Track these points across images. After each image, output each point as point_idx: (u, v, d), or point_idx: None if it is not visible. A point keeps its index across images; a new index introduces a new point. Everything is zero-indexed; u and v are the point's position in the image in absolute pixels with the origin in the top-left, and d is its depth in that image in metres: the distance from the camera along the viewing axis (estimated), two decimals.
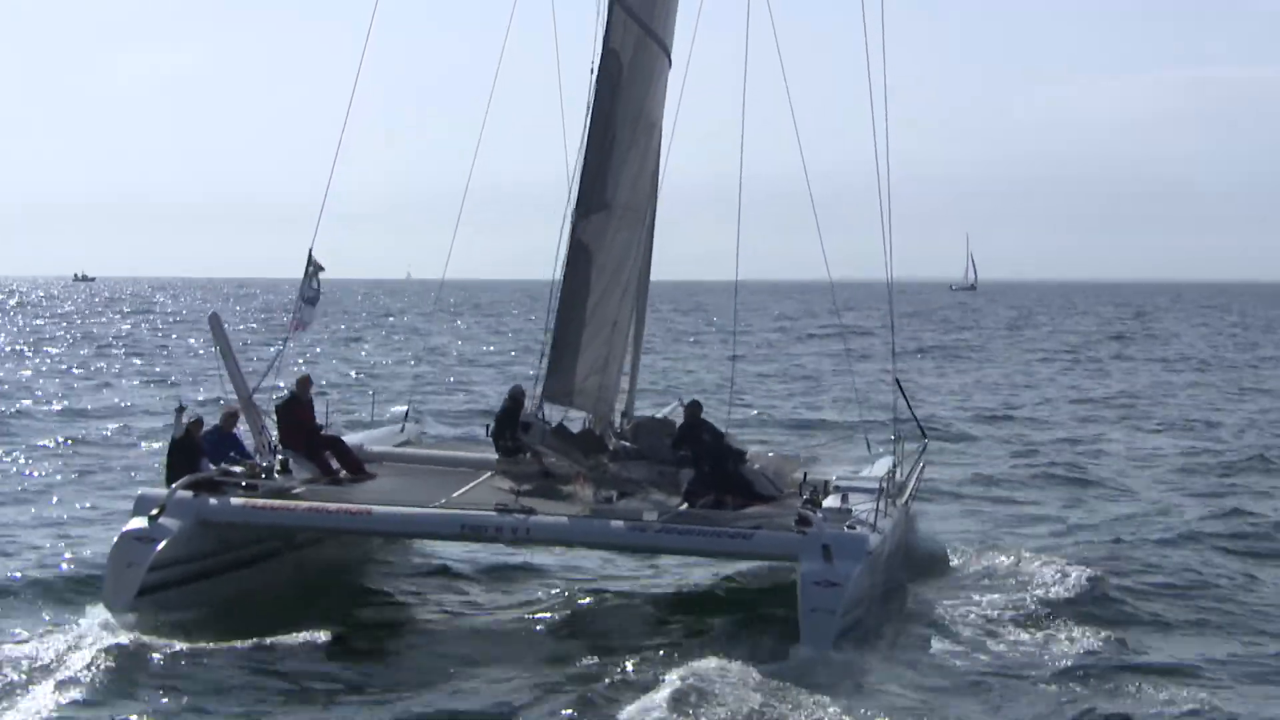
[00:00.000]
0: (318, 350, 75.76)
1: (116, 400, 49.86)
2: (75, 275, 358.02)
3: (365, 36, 23.37)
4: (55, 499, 29.77)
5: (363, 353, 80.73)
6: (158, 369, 61.99)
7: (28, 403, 47.86)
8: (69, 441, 38.14)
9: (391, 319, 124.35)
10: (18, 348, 78.44)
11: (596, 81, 21.64)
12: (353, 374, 62.10)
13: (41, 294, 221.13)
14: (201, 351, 72.86)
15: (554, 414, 22.93)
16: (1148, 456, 38.73)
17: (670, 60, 23.34)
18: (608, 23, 21.60)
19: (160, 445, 35.94)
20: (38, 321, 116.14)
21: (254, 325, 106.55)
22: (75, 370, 62.97)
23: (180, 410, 21.58)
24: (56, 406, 46.89)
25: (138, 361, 69.70)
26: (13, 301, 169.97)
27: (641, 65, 22.36)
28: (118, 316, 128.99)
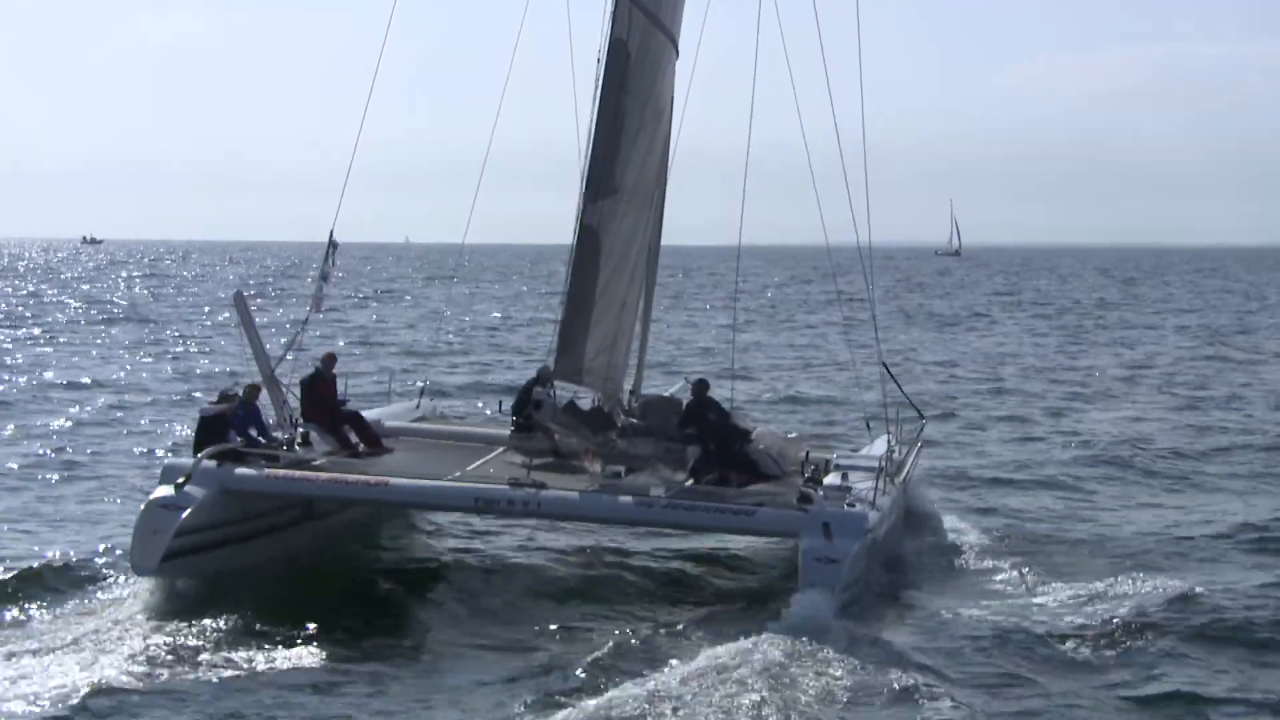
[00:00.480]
0: (332, 316, 76.16)
1: (128, 375, 50.32)
2: (83, 238, 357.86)
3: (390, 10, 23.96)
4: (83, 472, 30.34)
5: (373, 318, 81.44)
6: (179, 348, 62.27)
7: (50, 375, 48.35)
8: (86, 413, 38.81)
9: (401, 290, 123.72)
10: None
11: (604, 71, 21.96)
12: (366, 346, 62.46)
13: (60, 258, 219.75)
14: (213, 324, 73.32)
15: (565, 393, 23.33)
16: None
17: (678, 50, 23.65)
18: (613, 13, 21.88)
19: (176, 418, 36.99)
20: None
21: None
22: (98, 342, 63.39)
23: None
24: (86, 379, 47.45)
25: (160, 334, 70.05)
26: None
27: (649, 55, 22.62)
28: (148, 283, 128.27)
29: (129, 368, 51.18)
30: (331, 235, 23.12)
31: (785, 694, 16.51)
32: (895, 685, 16.81)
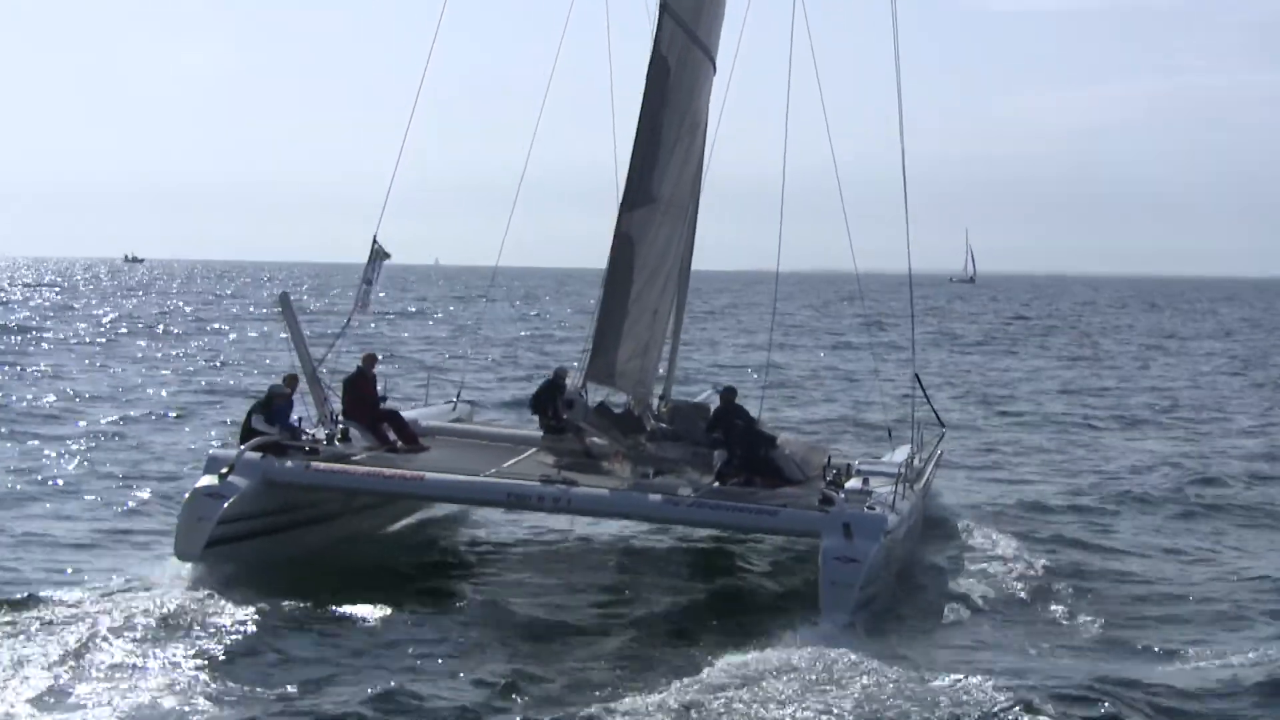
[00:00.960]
0: (372, 326, 77.20)
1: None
2: (125, 256, 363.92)
3: (433, 33, 24.55)
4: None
5: (405, 334, 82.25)
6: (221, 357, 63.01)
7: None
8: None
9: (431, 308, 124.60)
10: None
11: (646, 84, 22.42)
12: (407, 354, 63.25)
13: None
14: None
15: (596, 395, 23.63)
16: None
17: (715, 66, 24.11)
18: (657, 30, 22.33)
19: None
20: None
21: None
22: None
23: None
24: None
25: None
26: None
27: (688, 70, 23.07)
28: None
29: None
30: (375, 240, 23.63)
31: (805, 702, 16.44)
32: (913, 689, 16.73)
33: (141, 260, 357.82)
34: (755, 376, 43.63)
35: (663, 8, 22.14)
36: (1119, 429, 43.67)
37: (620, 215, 22.49)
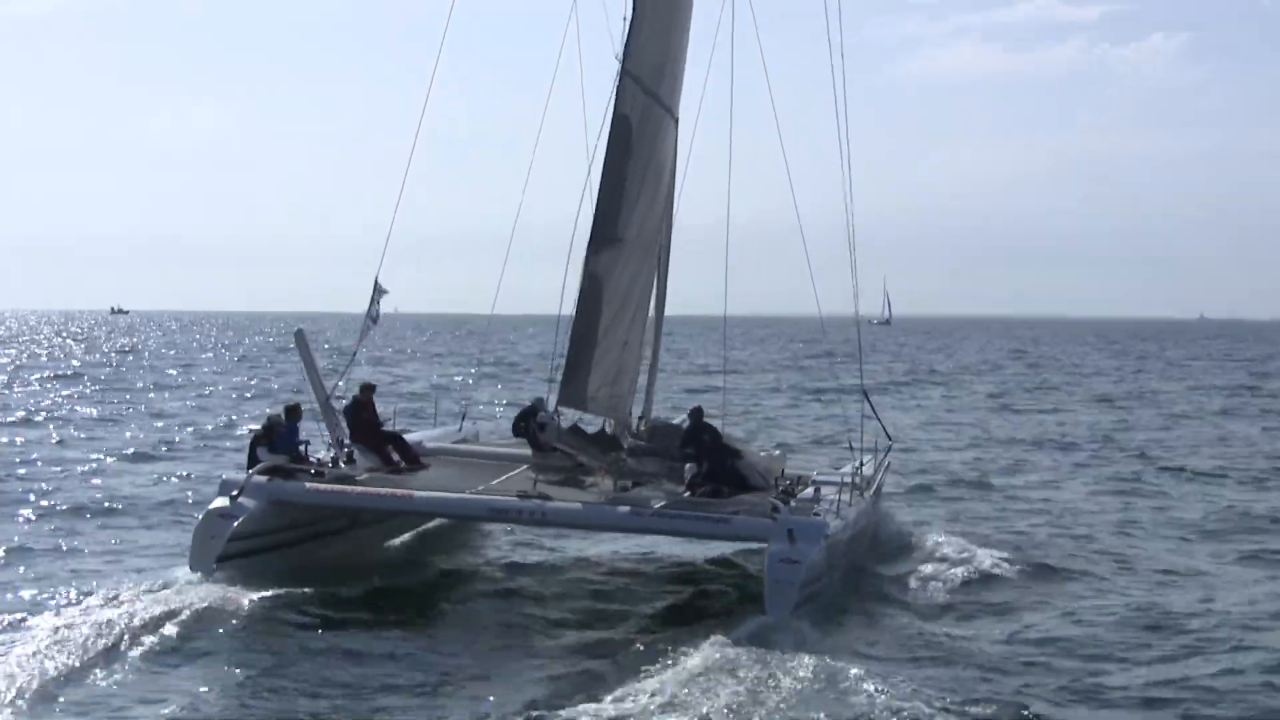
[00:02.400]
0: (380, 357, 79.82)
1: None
2: (111, 308, 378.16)
3: (426, 94, 26.35)
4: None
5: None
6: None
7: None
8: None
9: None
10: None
11: (609, 139, 23.97)
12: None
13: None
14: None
15: (570, 418, 25.21)
16: None
17: (676, 120, 25.72)
18: (618, 91, 23.91)
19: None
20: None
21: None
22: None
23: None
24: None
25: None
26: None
27: (649, 124, 24.67)
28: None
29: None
30: (377, 281, 25.16)
31: (749, 692, 17.47)
32: (843, 681, 17.75)
33: (126, 312, 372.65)
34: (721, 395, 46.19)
35: (622, 71, 23.77)
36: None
37: (588, 256, 23.96)
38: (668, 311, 28.38)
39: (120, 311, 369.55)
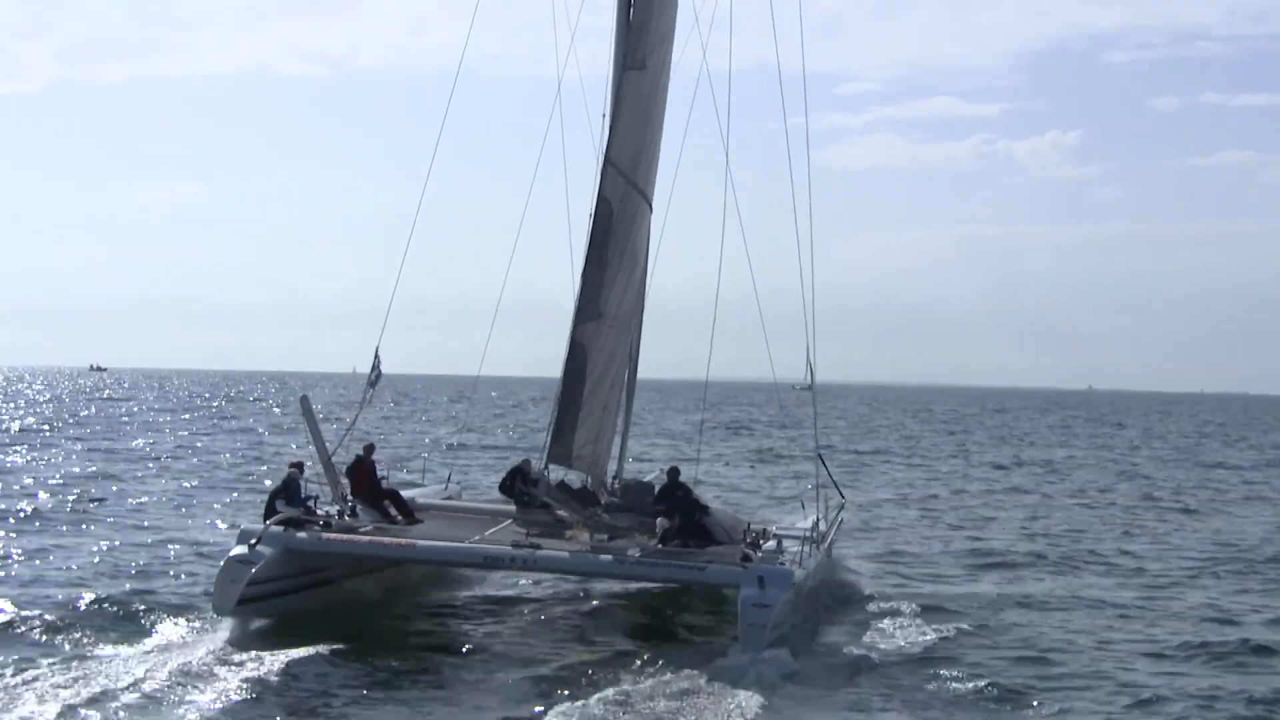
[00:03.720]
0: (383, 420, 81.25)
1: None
2: (91, 366, 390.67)
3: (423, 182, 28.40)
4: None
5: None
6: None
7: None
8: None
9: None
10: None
11: (593, 222, 25.83)
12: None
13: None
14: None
15: (557, 474, 26.83)
16: None
17: (651, 207, 27.65)
18: (602, 177, 25.84)
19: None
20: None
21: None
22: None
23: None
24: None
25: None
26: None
27: (628, 209, 26.53)
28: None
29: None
30: (377, 352, 27.11)
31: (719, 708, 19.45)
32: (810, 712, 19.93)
33: (105, 369, 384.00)
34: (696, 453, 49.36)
35: (606, 161, 25.82)
36: None
37: (574, 327, 25.76)
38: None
39: (99, 369, 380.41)
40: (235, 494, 46.29)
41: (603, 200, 26.05)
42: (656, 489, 27.46)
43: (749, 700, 20.05)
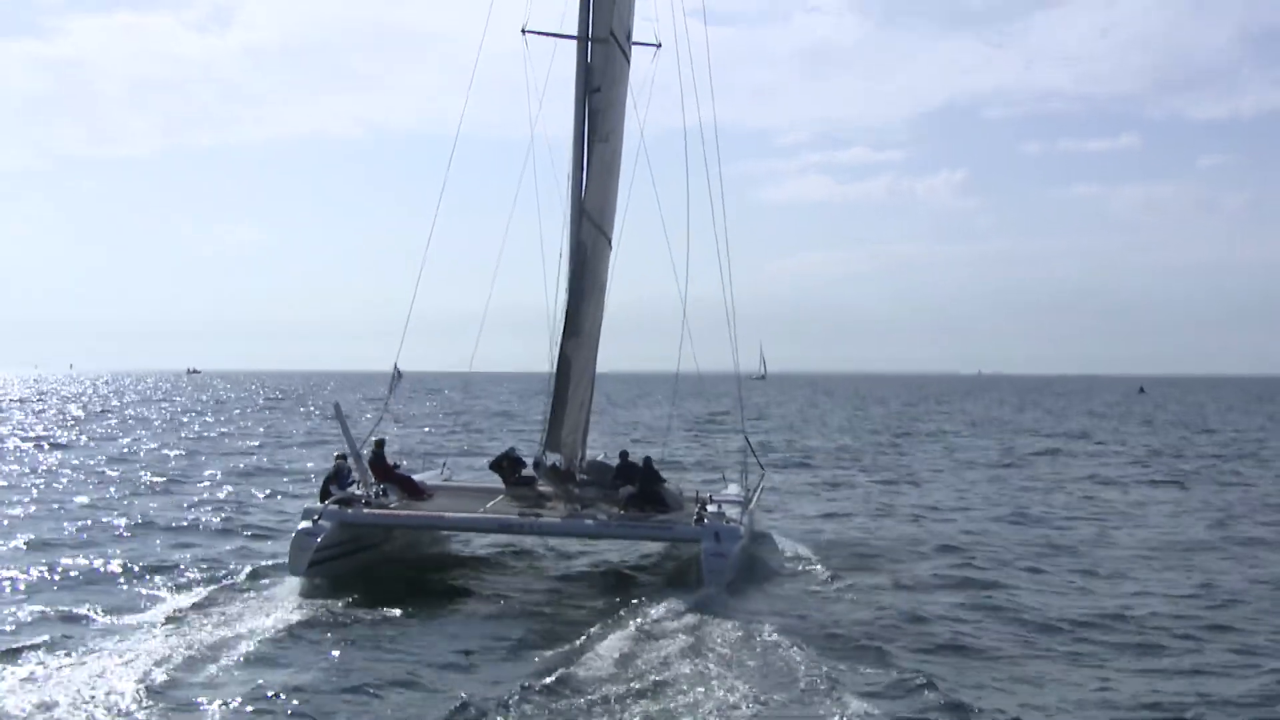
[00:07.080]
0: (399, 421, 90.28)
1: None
2: (187, 369, 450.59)
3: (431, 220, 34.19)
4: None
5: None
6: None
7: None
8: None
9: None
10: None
11: (572, 259, 30.70)
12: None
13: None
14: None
15: (547, 459, 31.48)
16: None
17: (611, 245, 32.75)
18: (578, 225, 30.72)
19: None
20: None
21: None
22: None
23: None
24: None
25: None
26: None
27: (597, 249, 31.43)
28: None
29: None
30: (395, 365, 31.86)
31: (699, 648, 21.15)
32: (765, 640, 21.91)
33: (199, 371, 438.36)
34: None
35: (582, 212, 30.93)
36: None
37: (562, 343, 30.65)
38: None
39: (194, 371, 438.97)
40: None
41: (579, 244, 30.91)
42: (614, 467, 32.24)
43: (710, 629, 22.64)
